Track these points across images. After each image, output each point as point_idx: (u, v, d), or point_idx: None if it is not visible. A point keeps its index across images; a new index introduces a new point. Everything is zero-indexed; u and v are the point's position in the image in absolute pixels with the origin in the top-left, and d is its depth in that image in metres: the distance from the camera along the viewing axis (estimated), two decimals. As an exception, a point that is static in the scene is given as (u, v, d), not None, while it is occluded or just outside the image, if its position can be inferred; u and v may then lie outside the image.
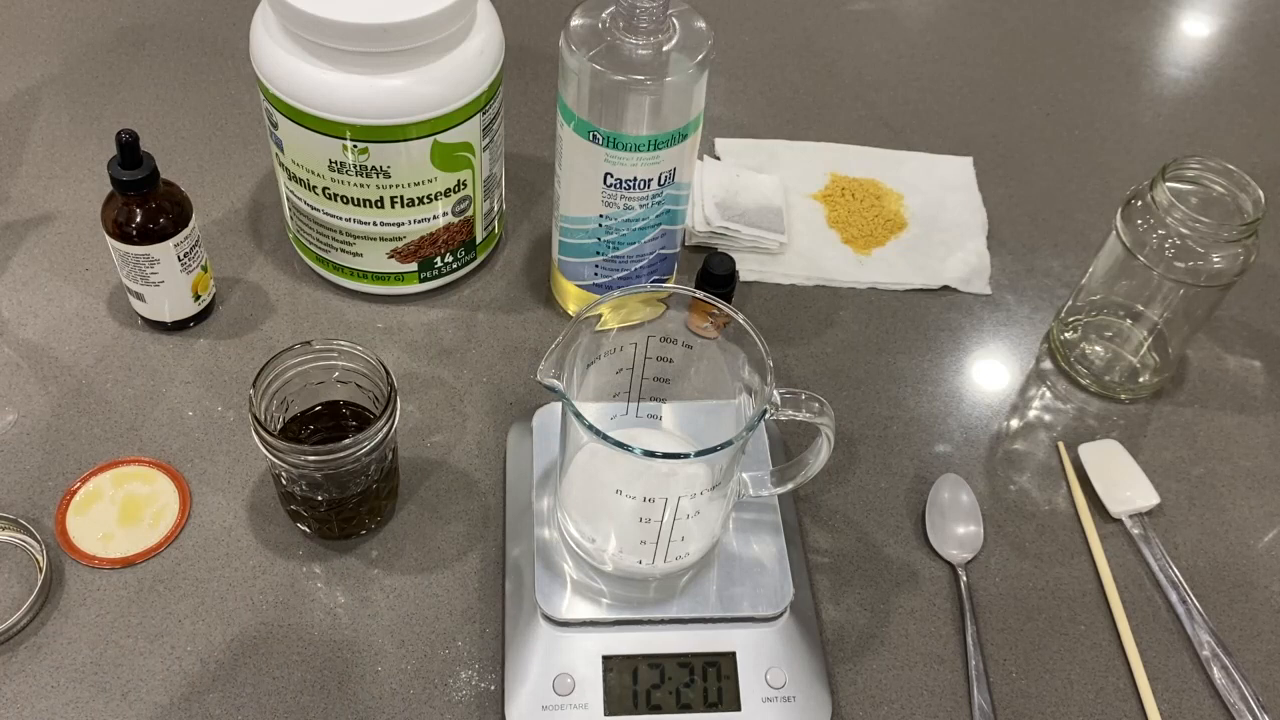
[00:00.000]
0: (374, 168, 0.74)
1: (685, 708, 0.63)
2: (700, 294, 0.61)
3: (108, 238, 0.75)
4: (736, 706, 0.63)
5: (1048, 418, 0.83)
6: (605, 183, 0.73)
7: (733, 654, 0.64)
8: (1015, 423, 0.83)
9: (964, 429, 0.81)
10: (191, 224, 0.76)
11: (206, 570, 0.69)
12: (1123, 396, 0.84)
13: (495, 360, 0.82)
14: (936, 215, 0.96)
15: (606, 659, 0.64)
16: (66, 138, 0.94)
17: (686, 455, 0.55)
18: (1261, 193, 0.76)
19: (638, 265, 0.79)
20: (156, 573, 0.69)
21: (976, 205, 0.97)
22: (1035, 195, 0.99)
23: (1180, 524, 0.78)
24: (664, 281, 0.83)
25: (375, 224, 0.78)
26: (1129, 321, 0.84)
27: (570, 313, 0.84)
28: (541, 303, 0.86)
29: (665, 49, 0.68)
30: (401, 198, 0.77)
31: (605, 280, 0.80)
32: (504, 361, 0.82)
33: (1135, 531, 0.76)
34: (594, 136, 0.71)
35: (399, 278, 0.83)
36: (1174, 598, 0.73)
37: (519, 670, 0.64)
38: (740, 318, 0.60)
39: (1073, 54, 1.15)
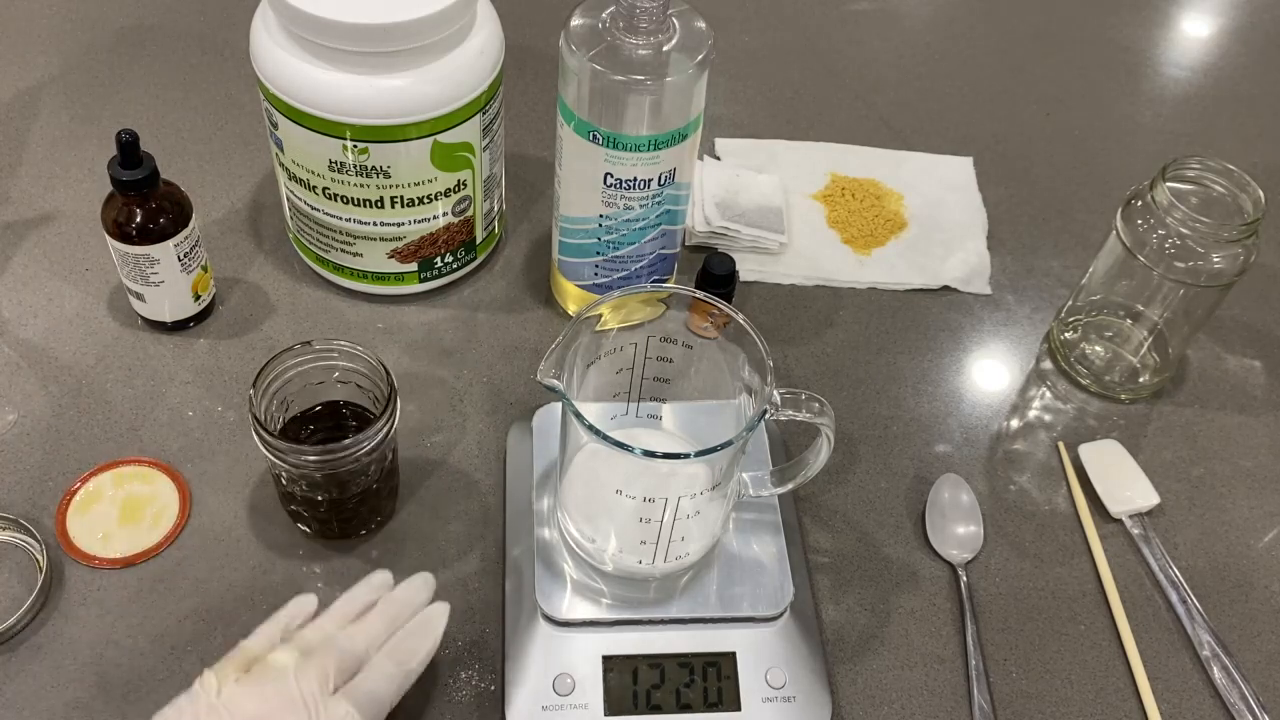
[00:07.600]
0: (374, 168, 0.74)
1: (685, 708, 0.63)
2: (700, 294, 0.61)
3: (108, 238, 0.75)
4: (736, 706, 0.63)
5: (1048, 418, 0.83)
6: (605, 183, 0.73)
7: (733, 654, 0.64)
8: (1015, 423, 0.83)
9: (964, 429, 0.81)
10: (191, 224, 0.76)
11: (206, 570, 0.69)
12: (1123, 396, 0.84)
13: (495, 360, 0.82)
14: (936, 215, 0.96)
15: (606, 659, 0.64)
16: (66, 138, 0.94)
17: (686, 455, 0.55)
18: (1261, 193, 0.76)
19: (638, 265, 0.79)
20: (156, 573, 0.69)
21: (976, 205, 0.97)
22: (1035, 195, 0.99)
23: (1180, 524, 0.78)
24: (664, 281, 0.83)
25: (375, 224, 0.78)
26: (1129, 321, 0.84)
27: (570, 313, 0.84)
28: (541, 303, 0.86)
29: (665, 49, 0.68)
30: (401, 198, 0.77)
31: (605, 280, 0.80)
32: (504, 361, 0.82)
33: (1135, 531, 0.76)
34: (594, 136, 0.71)
35: (399, 278, 0.83)
36: (1174, 598, 0.73)
37: (519, 670, 0.64)
38: (740, 318, 0.60)
39: (1073, 54, 1.15)
